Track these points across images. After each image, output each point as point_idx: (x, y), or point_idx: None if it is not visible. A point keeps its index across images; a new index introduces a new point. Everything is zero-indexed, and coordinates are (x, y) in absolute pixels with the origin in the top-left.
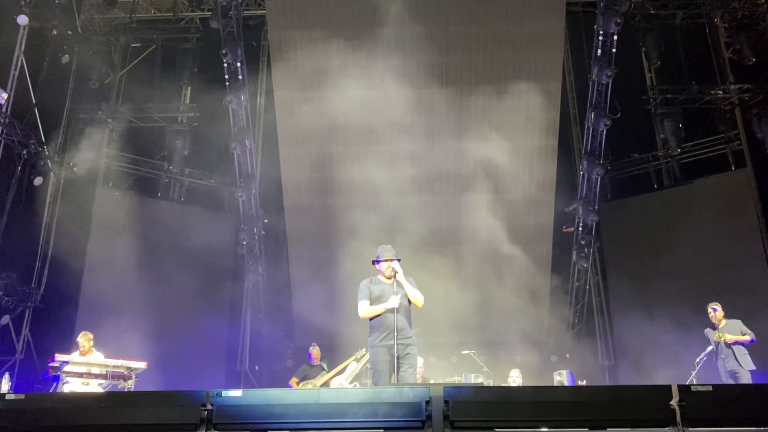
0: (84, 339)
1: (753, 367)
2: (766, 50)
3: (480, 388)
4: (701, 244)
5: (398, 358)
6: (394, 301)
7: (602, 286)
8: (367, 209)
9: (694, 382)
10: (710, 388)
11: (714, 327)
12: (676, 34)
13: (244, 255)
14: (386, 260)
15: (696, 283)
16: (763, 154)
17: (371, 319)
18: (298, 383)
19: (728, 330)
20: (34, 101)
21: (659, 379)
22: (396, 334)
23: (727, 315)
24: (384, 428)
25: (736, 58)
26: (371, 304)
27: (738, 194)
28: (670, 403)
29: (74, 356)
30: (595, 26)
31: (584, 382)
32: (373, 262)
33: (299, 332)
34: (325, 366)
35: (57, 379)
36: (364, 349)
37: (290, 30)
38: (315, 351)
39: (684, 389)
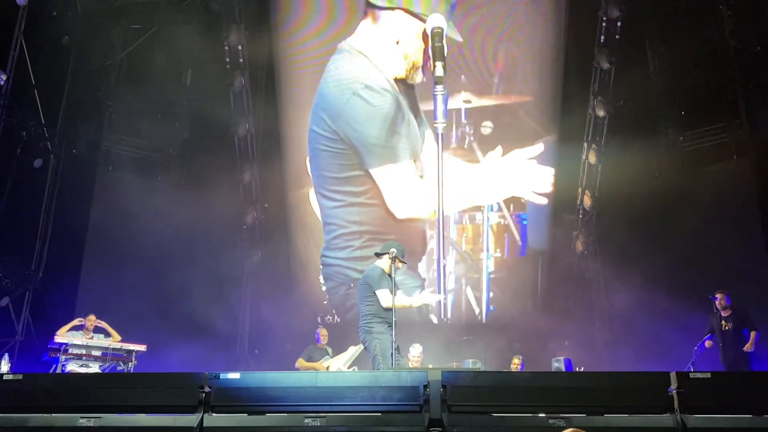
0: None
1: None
2: None
3: (478, 373)
4: (702, 233)
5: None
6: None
7: (601, 273)
8: None
9: (692, 369)
10: (708, 376)
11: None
12: (680, 21)
13: (245, 239)
14: (401, 262)
15: (697, 272)
16: (766, 143)
17: (375, 307)
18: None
19: (733, 320)
20: (33, 83)
21: (657, 366)
22: (393, 328)
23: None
24: (382, 412)
25: (740, 46)
26: None
27: (740, 183)
28: (669, 390)
29: (76, 335)
30: (599, 12)
31: (582, 369)
32: (394, 257)
33: (299, 316)
34: (330, 351)
35: (56, 360)
36: None
37: (292, 10)
38: (323, 332)
39: (682, 376)
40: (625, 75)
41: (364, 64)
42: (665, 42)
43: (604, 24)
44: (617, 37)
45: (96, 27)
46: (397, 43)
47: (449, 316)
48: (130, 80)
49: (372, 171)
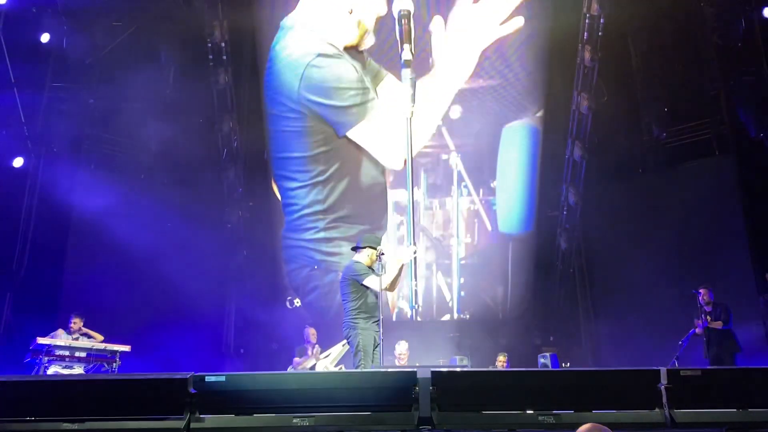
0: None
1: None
2: (753, 34)
3: (467, 372)
4: (685, 228)
5: (376, 345)
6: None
7: (586, 269)
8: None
9: (677, 365)
10: (699, 372)
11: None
12: (662, 17)
13: (229, 237)
14: (380, 254)
15: (679, 267)
16: (747, 138)
17: (359, 302)
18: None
19: (716, 315)
20: (13, 81)
21: (643, 362)
22: (380, 320)
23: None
24: (371, 411)
25: (722, 43)
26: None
27: (722, 179)
28: (659, 386)
29: (60, 334)
30: (582, 9)
31: (568, 365)
32: (380, 254)
33: (285, 315)
34: (319, 350)
35: (38, 362)
36: None
37: (275, 5)
38: (311, 331)
39: (673, 373)
40: (608, 71)
41: (311, 38)
42: (647, 39)
43: (587, 21)
44: (600, 33)
45: (76, 24)
46: (351, 12)
47: (420, 302)
48: (112, 78)
49: (349, 134)
